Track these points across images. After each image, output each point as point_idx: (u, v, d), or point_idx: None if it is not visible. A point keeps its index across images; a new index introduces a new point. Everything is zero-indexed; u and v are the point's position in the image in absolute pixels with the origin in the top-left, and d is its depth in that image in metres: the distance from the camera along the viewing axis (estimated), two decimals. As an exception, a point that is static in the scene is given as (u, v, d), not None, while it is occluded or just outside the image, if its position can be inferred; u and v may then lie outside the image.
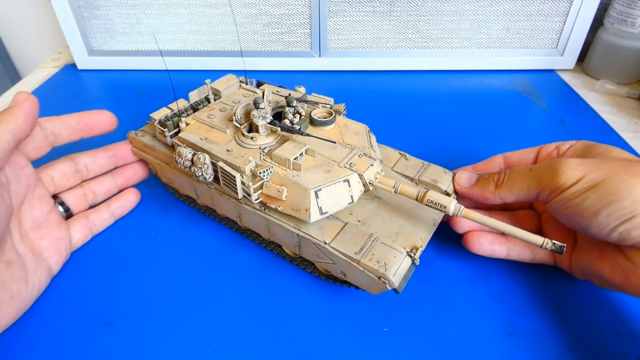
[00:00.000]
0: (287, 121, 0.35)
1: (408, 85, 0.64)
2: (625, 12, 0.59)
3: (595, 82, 0.63)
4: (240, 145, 0.34)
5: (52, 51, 0.76)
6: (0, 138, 0.30)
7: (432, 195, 0.31)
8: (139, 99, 0.61)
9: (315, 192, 0.30)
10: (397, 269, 0.29)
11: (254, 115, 0.33)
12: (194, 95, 0.40)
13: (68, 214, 0.38)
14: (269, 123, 0.33)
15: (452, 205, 0.30)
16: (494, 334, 0.31)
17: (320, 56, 0.65)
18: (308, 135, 0.33)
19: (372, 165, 0.32)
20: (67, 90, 0.64)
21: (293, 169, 0.31)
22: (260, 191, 0.32)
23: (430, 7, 0.61)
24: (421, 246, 0.31)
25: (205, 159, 0.32)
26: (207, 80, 0.41)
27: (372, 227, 0.33)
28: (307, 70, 0.67)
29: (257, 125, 0.33)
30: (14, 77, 0.90)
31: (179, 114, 0.38)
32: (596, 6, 0.60)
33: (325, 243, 0.31)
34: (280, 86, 0.43)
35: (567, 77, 0.66)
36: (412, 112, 0.44)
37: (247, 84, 0.43)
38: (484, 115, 0.57)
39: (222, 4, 0.61)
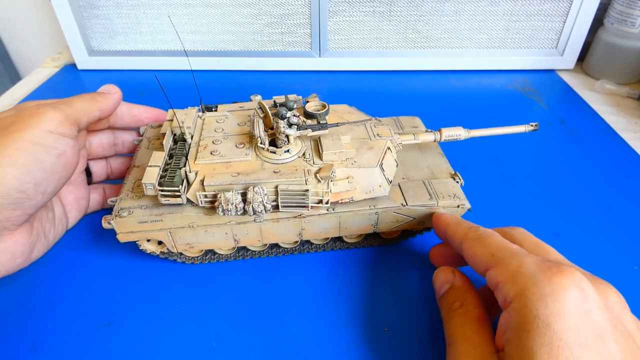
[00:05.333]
0: (282, 124, 0.33)
1: (408, 85, 0.64)
2: (625, 12, 0.59)
3: (595, 82, 0.63)
4: (276, 163, 0.32)
5: (52, 51, 0.76)
6: (92, 112, 0.35)
7: (447, 131, 0.38)
8: (139, 99, 0.61)
9: (380, 167, 0.33)
10: (462, 193, 0.35)
11: (283, 127, 0.32)
12: (167, 142, 0.35)
13: (89, 180, 0.41)
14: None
15: (462, 131, 0.38)
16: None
17: (320, 56, 0.65)
18: (336, 125, 0.34)
19: (390, 128, 0.37)
20: (67, 90, 0.64)
21: (348, 158, 0.33)
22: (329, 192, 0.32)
23: (430, 7, 0.61)
24: (455, 172, 0.37)
25: (262, 189, 0.31)
26: (172, 115, 0.37)
27: (416, 177, 0.37)
28: (307, 70, 0.67)
29: (287, 136, 0.32)
30: (14, 77, 0.90)
31: (174, 167, 0.32)
32: (596, 6, 0.60)
33: (404, 205, 0.34)
34: (234, 102, 0.40)
35: (567, 77, 0.66)
36: (412, 112, 0.44)
37: (203, 111, 0.39)
38: (484, 116, 0.57)
39: (222, 4, 0.61)
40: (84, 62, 0.67)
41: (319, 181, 0.31)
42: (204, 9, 0.61)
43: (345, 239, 0.37)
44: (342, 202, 0.33)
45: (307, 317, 0.33)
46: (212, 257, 0.37)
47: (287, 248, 0.37)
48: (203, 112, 0.38)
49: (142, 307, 0.34)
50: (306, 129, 0.33)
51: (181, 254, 0.36)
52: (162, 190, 0.31)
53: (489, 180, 0.46)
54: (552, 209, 0.42)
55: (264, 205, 0.31)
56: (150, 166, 0.32)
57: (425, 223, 0.36)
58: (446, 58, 0.65)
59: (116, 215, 0.32)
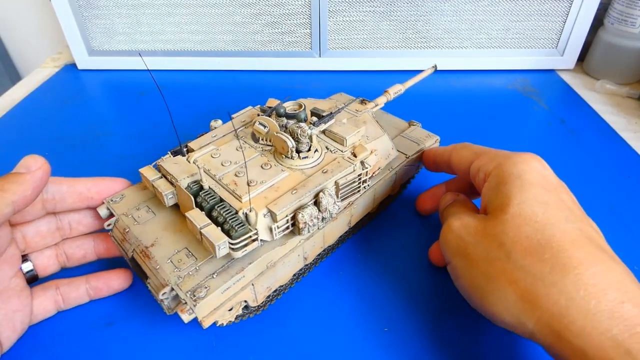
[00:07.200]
0: (305, 127, 0.33)
1: (408, 85, 0.64)
2: (625, 12, 0.59)
3: (596, 82, 0.63)
4: (314, 166, 0.32)
5: (52, 51, 0.76)
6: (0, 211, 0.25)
7: (393, 88, 0.43)
8: (139, 99, 0.61)
9: (387, 134, 0.37)
10: (429, 132, 0.42)
11: (305, 129, 0.32)
12: (189, 197, 0.30)
13: (31, 276, 0.31)
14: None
15: (401, 86, 0.43)
16: (496, 332, 0.32)
17: (320, 56, 0.65)
18: (338, 111, 0.37)
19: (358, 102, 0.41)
20: (67, 90, 0.64)
21: (362, 136, 0.35)
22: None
23: (430, 7, 0.61)
24: (410, 120, 0.44)
25: (329, 190, 0.31)
26: (154, 173, 0.32)
27: (391, 134, 0.40)
28: (307, 70, 0.67)
29: (310, 137, 0.32)
30: (14, 77, 0.90)
31: (229, 216, 0.28)
32: (596, 6, 0.60)
33: (407, 157, 0.39)
34: (199, 135, 0.37)
35: (567, 77, 0.66)
36: (411, 112, 0.44)
37: (183, 154, 0.35)
38: (484, 116, 0.57)
39: (222, 4, 0.61)
40: (84, 62, 0.67)
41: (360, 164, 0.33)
42: (204, 9, 0.62)
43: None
44: (373, 175, 0.35)
45: (307, 317, 0.33)
46: (275, 293, 0.33)
47: (333, 245, 0.37)
48: (184, 155, 0.34)
49: (142, 307, 0.33)
50: (319, 124, 0.34)
51: (247, 307, 0.32)
52: (235, 244, 0.27)
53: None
54: (552, 209, 0.42)
55: (335, 203, 0.32)
56: (202, 227, 0.27)
57: (418, 170, 0.42)
58: (446, 58, 0.65)
59: (195, 301, 0.26)
